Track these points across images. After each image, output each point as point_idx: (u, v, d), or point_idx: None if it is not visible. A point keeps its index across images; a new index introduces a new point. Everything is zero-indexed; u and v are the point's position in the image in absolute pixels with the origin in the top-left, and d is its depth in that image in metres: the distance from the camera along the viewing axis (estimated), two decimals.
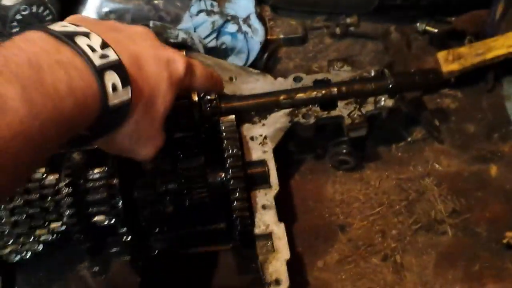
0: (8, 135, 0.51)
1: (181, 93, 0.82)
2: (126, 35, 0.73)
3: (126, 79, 0.66)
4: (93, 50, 0.63)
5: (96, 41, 0.64)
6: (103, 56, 0.64)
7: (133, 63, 0.69)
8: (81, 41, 0.63)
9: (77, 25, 0.66)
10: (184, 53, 1.04)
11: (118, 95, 0.65)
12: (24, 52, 0.57)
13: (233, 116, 1.00)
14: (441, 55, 1.24)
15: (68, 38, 0.62)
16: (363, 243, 1.10)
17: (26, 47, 0.58)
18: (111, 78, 0.64)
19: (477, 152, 1.20)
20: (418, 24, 1.39)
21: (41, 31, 0.62)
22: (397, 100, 1.10)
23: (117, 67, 0.65)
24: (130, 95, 0.67)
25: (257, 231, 0.96)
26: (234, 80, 1.13)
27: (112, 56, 0.65)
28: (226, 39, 1.28)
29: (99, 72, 0.62)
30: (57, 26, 0.64)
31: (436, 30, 1.37)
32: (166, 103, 0.75)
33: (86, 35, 0.64)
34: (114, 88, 0.64)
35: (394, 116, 1.21)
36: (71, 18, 0.74)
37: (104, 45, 0.65)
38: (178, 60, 0.78)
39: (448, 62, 1.24)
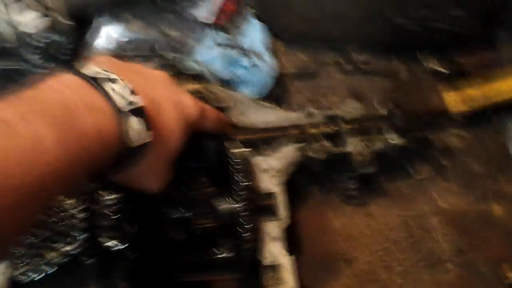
0: (40, 172, 0.55)
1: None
2: (149, 81, 0.78)
3: (147, 124, 0.72)
4: (120, 96, 0.68)
5: (123, 88, 0.70)
6: (129, 103, 0.69)
7: (153, 108, 0.75)
8: (110, 87, 0.68)
9: (106, 71, 0.70)
10: (201, 85, 1.07)
11: (140, 138, 0.70)
12: (59, 95, 0.62)
13: (246, 149, 1.03)
14: (449, 95, 1.27)
15: (99, 84, 0.67)
16: (369, 278, 1.12)
17: (60, 90, 0.63)
18: (135, 122, 0.69)
19: (482, 191, 1.22)
20: (427, 63, 1.42)
21: (74, 74, 0.66)
22: (405, 140, 1.13)
23: (141, 112, 0.70)
24: (149, 138, 0.71)
25: (264, 262, 0.98)
26: (246, 113, 1.16)
27: (137, 102, 0.70)
28: (239, 72, 1.32)
29: (124, 117, 0.66)
30: (89, 70, 0.69)
31: (445, 70, 1.40)
32: (178, 145, 0.81)
33: (115, 81, 0.69)
34: (136, 131, 0.69)
35: (401, 153, 1.23)
36: (101, 60, 0.78)
37: (131, 92, 0.70)
38: (192, 106, 0.83)
39: (456, 102, 1.27)
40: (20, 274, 0.97)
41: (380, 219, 1.18)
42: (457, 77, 1.36)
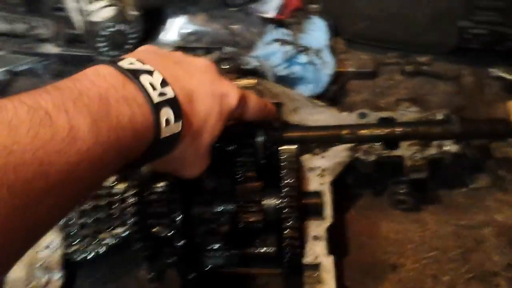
0: (75, 160, 0.58)
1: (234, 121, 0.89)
2: (186, 70, 0.80)
3: (179, 115, 0.73)
4: (153, 87, 0.70)
5: (157, 79, 0.72)
6: (161, 94, 0.71)
7: (187, 99, 0.77)
8: (144, 79, 0.70)
9: (143, 63, 0.73)
10: (256, 81, 1.08)
11: (170, 128, 0.72)
12: (96, 87, 0.64)
13: (294, 147, 1.03)
14: None
15: (134, 76, 0.69)
16: (414, 286, 1.10)
17: (97, 81, 0.65)
18: (166, 113, 0.71)
19: None
20: (493, 70, 1.37)
21: (112, 66, 0.70)
22: (462, 147, 1.10)
23: (173, 103, 0.73)
24: (180, 128, 0.73)
25: (305, 260, 0.98)
26: (299, 110, 1.16)
27: (170, 93, 0.72)
28: (296, 69, 1.32)
29: (157, 108, 0.69)
30: (126, 63, 0.72)
31: (510, 77, 1.34)
32: (213, 135, 0.83)
33: (150, 73, 0.72)
34: (167, 122, 0.72)
35: (458, 161, 1.20)
36: (142, 49, 0.81)
37: (164, 83, 0.72)
38: (232, 94, 0.84)
39: None
40: (73, 252, 1.03)
41: (430, 227, 1.15)
42: None
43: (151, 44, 1.42)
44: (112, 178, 1.05)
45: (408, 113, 1.14)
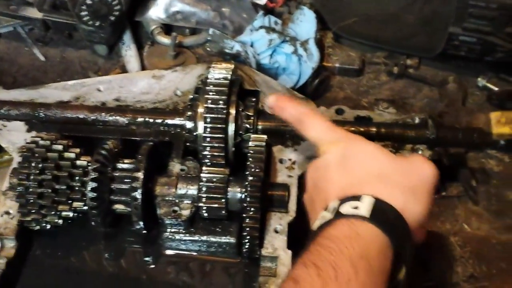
0: None
1: None
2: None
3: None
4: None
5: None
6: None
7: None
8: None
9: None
10: (233, 65, 1.06)
11: None
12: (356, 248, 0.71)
13: (264, 136, 1.01)
14: (494, 115, 1.20)
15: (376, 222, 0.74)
16: None
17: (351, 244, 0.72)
18: None
19: (511, 221, 1.16)
20: (478, 79, 1.36)
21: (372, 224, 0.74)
22: (435, 152, 1.08)
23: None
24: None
25: (263, 252, 0.97)
26: None
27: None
28: (280, 59, 1.30)
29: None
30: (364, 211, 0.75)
31: (496, 88, 1.33)
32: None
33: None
34: None
35: None
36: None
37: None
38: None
39: (500, 124, 1.19)
40: (30, 221, 1.01)
41: None
42: (507, 97, 1.29)
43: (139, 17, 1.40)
44: (77, 150, 1.03)
45: (386, 114, 1.12)
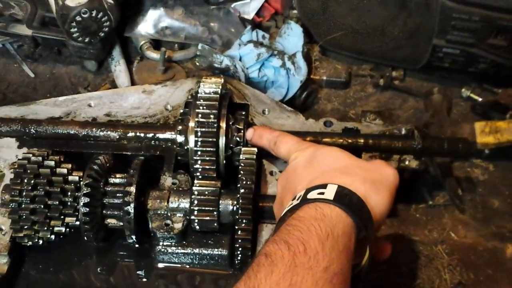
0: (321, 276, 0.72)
1: None
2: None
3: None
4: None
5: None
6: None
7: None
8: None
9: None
10: (223, 79, 1.08)
11: None
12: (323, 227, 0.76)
13: (255, 149, 1.03)
14: (478, 125, 1.23)
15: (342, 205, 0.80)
16: None
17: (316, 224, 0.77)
18: None
19: (497, 228, 1.19)
20: (463, 90, 1.39)
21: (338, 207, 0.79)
22: (422, 162, 1.11)
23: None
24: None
25: None
26: (266, 113, 1.16)
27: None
28: (268, 72, 1.32)
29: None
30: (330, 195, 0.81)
31: (479, 99, 1.36)
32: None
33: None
34: None
35: (419, 177, 1.21)
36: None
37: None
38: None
39: (484, 133, 1.22)
40: (22, 236, 1.01)
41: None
42: (491, 107, 1.32)
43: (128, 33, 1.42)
44: (68, 166, 1.04)
45: (373, 126, 1.15)
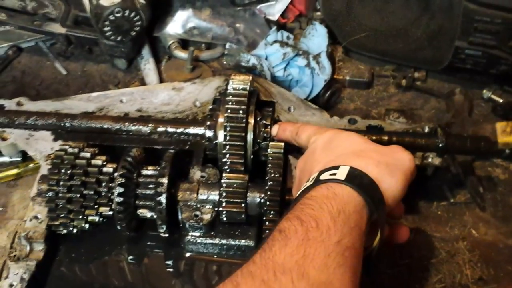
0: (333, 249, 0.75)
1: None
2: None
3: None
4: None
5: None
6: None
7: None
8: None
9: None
10: (251, 77, 1.11)
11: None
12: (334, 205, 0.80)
13: (282, 144, 1.07)
14: (499, 125, 1.25)
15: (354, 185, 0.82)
16: None
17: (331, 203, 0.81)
18: None
19: None
20: (484, 91, 1.41)
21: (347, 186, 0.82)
22: (444, 160, 1.13)
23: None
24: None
25: None
26: (292, 110, 1.20)
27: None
28: (293, 71, 1.35)
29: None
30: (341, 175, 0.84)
31: (501, 100, 1.38)
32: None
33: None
34: None
35: (441, 175, 1.24)
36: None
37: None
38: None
39: (506, 133, 1.24)
40: (58, 225, 1.05)
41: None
42: (511, 108, 1.34)
43: (157, 33, 1.46)
44: (103, 157, 1.08)
45: (396, 124, 1.17)
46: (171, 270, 1.12)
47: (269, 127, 1.10)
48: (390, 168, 0.87)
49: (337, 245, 0.75)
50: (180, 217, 1.07)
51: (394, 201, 0.87)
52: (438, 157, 1.12)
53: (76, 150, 1.08)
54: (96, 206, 1.06)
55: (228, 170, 1.08)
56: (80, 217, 1.05)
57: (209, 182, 1.08)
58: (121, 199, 1.03)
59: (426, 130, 1.16)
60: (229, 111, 1.07)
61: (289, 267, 0.71)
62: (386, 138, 1.12)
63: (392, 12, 1.37)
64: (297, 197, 0.86)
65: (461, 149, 1.14)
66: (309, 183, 0.86)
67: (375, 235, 0.88)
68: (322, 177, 0.85)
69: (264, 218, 1.02)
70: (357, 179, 0.83)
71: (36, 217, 1.08)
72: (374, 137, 1.12)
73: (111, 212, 1.06)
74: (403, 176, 0.88)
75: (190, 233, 1.08)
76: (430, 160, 1.12)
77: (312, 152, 0.96)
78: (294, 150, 1.13)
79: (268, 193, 1.01)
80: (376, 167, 0.86)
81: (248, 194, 1.05)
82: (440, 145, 1.11)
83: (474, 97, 1.41)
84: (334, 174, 0.84)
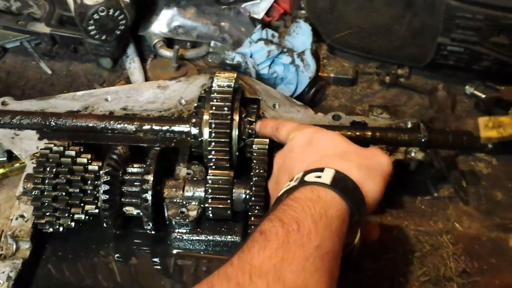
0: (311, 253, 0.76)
1: None
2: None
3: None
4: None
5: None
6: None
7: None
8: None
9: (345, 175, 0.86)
10: (236, 74, 1.12)
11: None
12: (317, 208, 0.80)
13: (267, 140, 1.07)
14: (482, 120, 1.27)
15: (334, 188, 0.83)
16: (370, 285, 1.14)
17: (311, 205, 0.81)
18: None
19: (500, 220, 1.22)
20: (466, 87, 1.43)
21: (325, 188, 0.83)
22: (427, 155, 1.15)
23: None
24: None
25: None
26: (277, 107, 1.21)
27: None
28: (278, 69, 1.36)
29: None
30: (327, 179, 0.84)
31: (483, 96, 1.40)
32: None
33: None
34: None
35: (424, 170, 1.25)
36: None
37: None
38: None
39: (488, 128, 1.26)
40: (44, 223, 1.05)
41: (392, 230, 1.20)
42: (494, 104, 1.36)
43: (142, 31, 1.46)
44: (88, 156, 1.08)
45: (380, 120, 1.19)
46: (158, 267, 1.12)
47: (254, 124, 1.11)
48: (371, 172, 0.89)
49: (316, 249, 0.76)
50: (166, 214, 1.07)
51: (373, 203, 0.89)
52: (420, 151, 1.13)
53: (61, 148, 1.08)
54: (81, 204, 1.06)
55: (213, 167, 1.08)
56: (66, 215, 1.05)
57: (195, 179, 1.09)
58: (107, 196, 1.03)
59: (409, 125, 1.17)
60: (213, 108, 1.07)
61: (266, 270, 0.72)
62: (369, 133, 1.13)
63: (375, 10, 1.38)
64: (280, 197, 0.87)
65: (444, 144, 1.15)
66: (293, 183, 0.87)
67: (354, 234, 0.89)
68: (307, 178, 0.86)
69: (250, 213, 1.02)
70: (341, 183, 0.85)
71: (22, 216, 1.08)
72: (358, 133, 1.13)
73: (97, 210, 1.06)
74: (382, 179, 0.90)
75: (176, 230, 1.08)
76: (413, 154, 1.13)
77: (291, 149, 0.97)
78: (280, 146, 1.14)
79: (253, 188, 1.02)
80: (358, 171, 0.88)
81: (233, 190, 1.06)
82: (423, 140, 1.13)
83: (457, 93, 1.43)
84: (319, 177, 0.85)
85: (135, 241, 1.14)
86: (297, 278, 0.72)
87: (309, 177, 0.85)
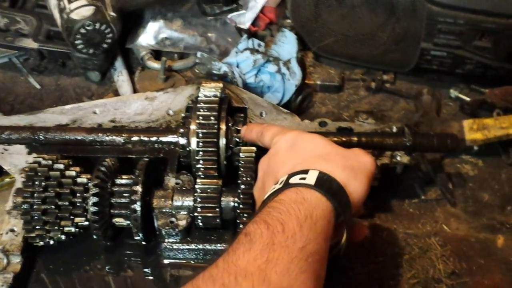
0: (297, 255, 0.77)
1: None
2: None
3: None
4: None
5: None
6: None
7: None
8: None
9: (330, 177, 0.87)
10: (222, 84, 1.14)
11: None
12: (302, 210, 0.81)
13: (254, 148, 1.09)
14: (466, 123, 1.29)
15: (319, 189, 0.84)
16: None
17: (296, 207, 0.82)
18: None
19: (487, 220, 1.24)
20: (451, 90, 1.45)
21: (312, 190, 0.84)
22: (413, 158, 1.16)
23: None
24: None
25: None
26: (264, 115, 1.22)
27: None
28: (264, 78, 1.38)
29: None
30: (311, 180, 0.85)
31: (467, 99, 1.42)
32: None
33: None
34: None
35: (411, 173, 1.27)
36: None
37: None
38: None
39: (473, 130, 1.28)
40: (34, 237, 1.06)
41: (380, 233, 1.21)
42: (478, 106, 1.38)
43: (129, 44, 1.48)
44: (77, 169, 1.09)
45: (365, 125, 1.20)
46: (149, 277, 1.13)
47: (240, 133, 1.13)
48: (355, 172, 0.90)
49: (301, 251, 0.77)
50: (156, 224, 1.08)
51: (358, 202, 0.90)
52: (406, 155, 1.15)
53: (50, 162, 1.09)
54: (71, 217, 1.06)
55: (202, 176, 1.10)
56: (56, 228, 1.06)
57: (183, 188, 1.10)
58: (96, 208, 1.04)
59: (394, 130, 1.19)
60: (200, 118, 1.09)
61: (251, 272, 0.73)
62: (355, 139, 1.15)
63: (358, 18, 1.40)
64: (265, 200, 0.88)
65: (428, 147, 1.17)
66: (278, 186, 0.88)
67: (340, 233, 0.90)
68: (292, 180, 0.87)
69: (238, 221, 1.03)
70: (326, 184, 0.85)
71: (12, 230, 1.09)
72: (344, 138, 1.15)
73: (87, 222, 1.07)
74: (366, 179, 0.91)
75: (166, 240, 1.09)
76: (398, 158, 1.15)
77: (275, 153, 0.98)
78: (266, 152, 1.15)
79: (241, 196, 1.03)
80: (342, 171, 0.89)
81: (222, 198, 1.07)
82: (408, 144, 1.15)
83: (442, 97, 1.45)
84: (304, 178, 0.86)
85: (126, 252, 1.15)
86: (282, 279, 0.73)
87: (294, 179, 0.86)
